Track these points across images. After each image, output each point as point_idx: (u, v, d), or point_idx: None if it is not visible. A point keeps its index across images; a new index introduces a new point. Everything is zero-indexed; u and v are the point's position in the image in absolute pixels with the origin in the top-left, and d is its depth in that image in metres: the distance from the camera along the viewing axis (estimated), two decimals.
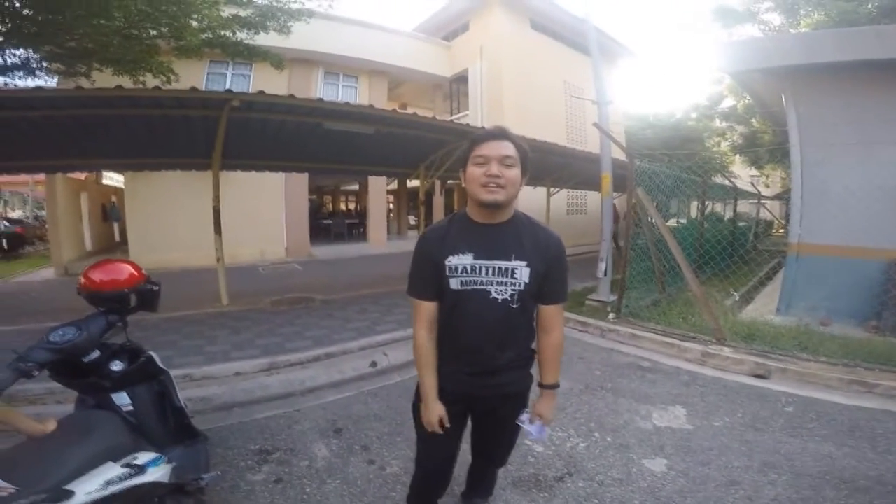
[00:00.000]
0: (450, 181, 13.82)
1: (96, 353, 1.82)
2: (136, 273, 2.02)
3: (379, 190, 14.21)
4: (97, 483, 1.36)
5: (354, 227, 16.90)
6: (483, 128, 7.50)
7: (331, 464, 2.54)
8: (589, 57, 6.58)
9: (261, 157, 7.20)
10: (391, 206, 20.48)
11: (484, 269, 1.39)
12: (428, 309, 1.47)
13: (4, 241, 14.32)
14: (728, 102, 19.21)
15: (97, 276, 1.93)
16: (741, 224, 11.74)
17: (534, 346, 1.58)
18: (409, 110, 17.95)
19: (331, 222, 16.24)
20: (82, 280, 1.92)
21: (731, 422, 3.05)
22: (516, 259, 1.39)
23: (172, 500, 1.80)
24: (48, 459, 1.33)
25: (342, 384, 3.75)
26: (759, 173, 22.09)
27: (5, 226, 15.66)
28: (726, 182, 12.03)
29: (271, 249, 11.68)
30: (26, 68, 7.85)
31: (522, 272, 1.39)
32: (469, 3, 13.53)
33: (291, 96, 5.09)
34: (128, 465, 1.49)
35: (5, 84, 7.59)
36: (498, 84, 13.04)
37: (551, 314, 1.50)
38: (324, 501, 2.22)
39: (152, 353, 2.08)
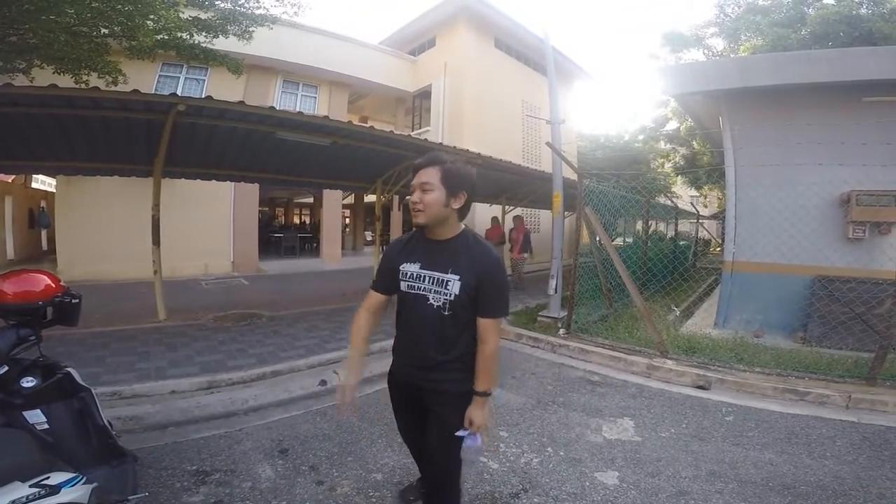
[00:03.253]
0: (408, 196, 13.77)
1: (3, 369, 1.65)
2: (52, 284, 1.86)
3: (334, 204, 13.94)
4: (5, 500, 1.24)
5: (307, 241, 16.45)
6: (440, 144, 7.70)
7: (276, 485, 2.40)
8: (547, 77, 6.82)
9: (207, 165, 6.88)
10: (347, 220, 20.14)
11: (426, 278, 1.64)
12: (375, 297, 1.79)
13: None
14: (672, 125, 20.47)
15: (8, 287, 1.77)
16: (682, 243, 12.43)
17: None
18: (370, 124, 17.91)
19: (282, 236, 15.72)
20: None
21: (676, 432, 3.15)
22: (451, 272, 1.60)
23: None
24: None
25: (289, 403, 3.58)
26: (698, 194, 23.59)
27: None
28: (668, 202, 12.76)
29: (216, 263, 11.11)
30: None
31: (454, 284, 1.59)
32: (436, 19, 13.74)
33: (241, 102, 4.93)
34: (38, 486, 1.35)
35: None
36: (459, 100, 13.25)
37: (484, 326, 1.62)
38: None
39: (70, 369, 1.92)
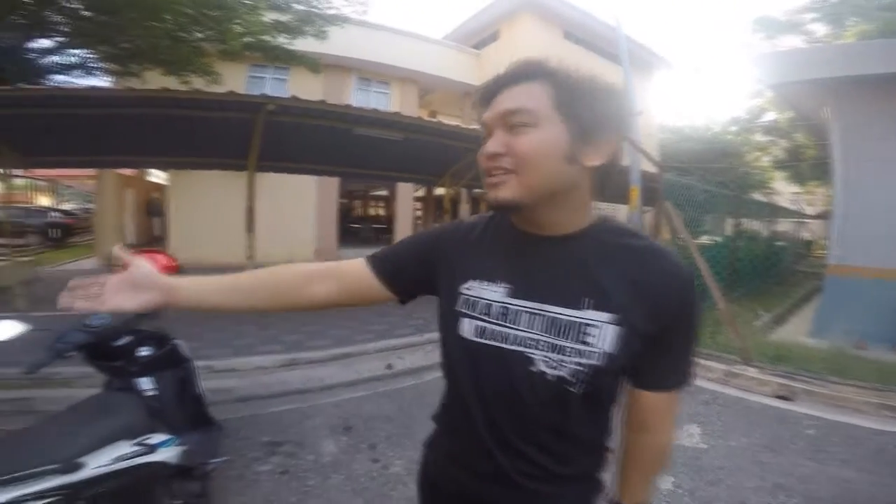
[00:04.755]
0: (476, 189, 13.87)
1: (127, 338, 1.93)
2: (168, 264, 2.15)
3: (407, 196, 14.40)
4: (107, 458, 1.44)
5: (382, 231, 17.15)
6: None
7: (336, 459, 2.61)
8: (622, 68, 6.53)
9: (294, 160, 7.44)
10: (418, 212, 20.70)
11: (526, 317, 0.76)
12: (359, 273, 0.91)
13: (56, 231, 15.30)
14: (770, 116, 18.56)
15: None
16: (779, 244, 11.30)
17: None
18: (438, 118, 18.12)
19: (360, 226, 16.53)
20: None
21: (747, 442, 2.96)
22: (593, 307, 0.72)
23: (179, 483, 1.87)
24: (65, 436, 1.44)
25: (357, 384, 3.83)
26: (801, 190, 21.19)
27: (57, 216, 16.68)
28: (765, 199, 11.61)
29: (301, 250, 11.96)
30: (84, 68, 8.43)
31: (604, 333, 0.71)
32: (500, 13, 13.62)
33: (322, 101, 5.27)
34: (139, 444, 1.57)
35: (66, 83, 8.18)
36: None
37: (658, 406, 0.82)
38: (324, 495, 2.29)
39: (178, 341, 2.19)
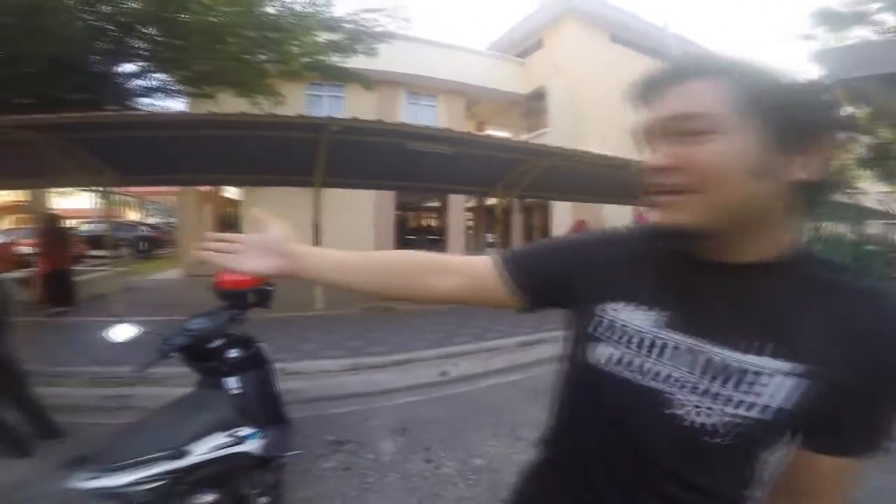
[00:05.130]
0: (528, 199, 13.79)
1: (219, 341, 2.19)
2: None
3: (458, 207, 14.62)
4: (207, 447, 1.66)
5: (435, 242, 17.46)
6: (558, 147, 7.68)
7: (393, 459, 2.80)
8: None
9: (354, 175, 7.85)
10: (470, 223, 20.85)
11: (675, 353, 0.65)
12: (489, 271, 0.80)
13: (144, 244, 16.98)
14: (845, 111, 16.81)
15: (228, 275, 2.38)
16: (868, 248, 10.29)
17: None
18: (487, 128, 18.24)
19: (414, 238, 16.95)
20: (215, 279, 2.38)
21: None
22: (770, 353, 0.60)
23: (258, 473, 2.06)
24: (171, 427, 1.67)
25: (414, 388, 4.02)
26: (892, 189, 19.07)
27: (145, 230, 18.48)
28: (850, 199, 10.67)
29: None
30: (164, 91, 9.37)
31: (779, 384, 0.59)
32: (543, 21, 13.61)
33: (380, 121, 5.59)
34: (231, 436, 1.79)
35: (150, 105, 9.19)
36: (578, 101, 12.89)
37: (833, 472, 0.66)
38: (382, 491, 2.48)
39: (262, 344, 2.45)
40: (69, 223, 8.39)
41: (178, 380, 3.68)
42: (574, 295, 0.76)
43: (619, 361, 0.67)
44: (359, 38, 8.95)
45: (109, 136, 5.60)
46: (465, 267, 0.83)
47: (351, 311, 6.65)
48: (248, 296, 2.39)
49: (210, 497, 1.59)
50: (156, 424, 1.73)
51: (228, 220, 15.87)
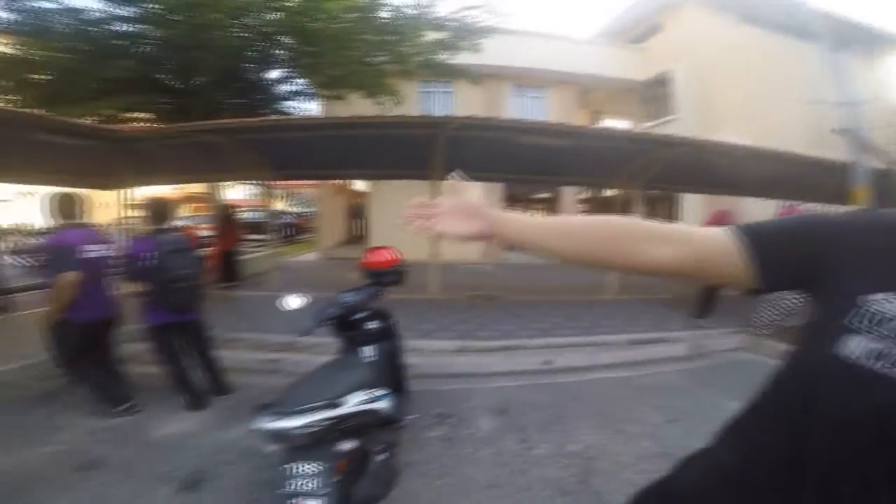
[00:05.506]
0: (652, 191, 12.91)
1: (362, 314, 2.61)
2: (395, 258, 2.90)
3: (571, 199, 14.24)
4: (354, 401, 1.96)
5: None
6: (683, 138, 7.10)
7: (490, 435, 3.05)
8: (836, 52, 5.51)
9: (469, 168, 8.19)
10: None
11: None
12: (714, 238, 0.73)
13: (289, 230, 19.60)
14: None
15: (370, 257, 2.87)
16: None
17: None
18: (603, 117, 17.30)
19: None
20: (362, 259, 2.85)
21: None
22: None
23: (382, 431, 2.32)
24: (329, 382, 2.03)
25: (517, 374, 4.22)
26: None
27: (289, 218, 21.33)
28: None
29: (469, 251, 12.93)
30: (304, 94, 10.65)
31: None
32: (658, 4, 12.59)
33: (492, 118, 5.82)
34: (370, 394, 2.06)
35: (294, 108, 10.55)
36: (707, 86, 11.70)
37: None
38: (475, 462, 2.73)
39: (395, 319, 2.85)
40: (237, 212, 10.01)
41: (318, 349, 4.37)
42: (821, 277, 0.67)
43: (879, 356, 0.59)
44: (462, 35, 9.26)
45: (269, 137, 6.68)
46: (689, 236, 0.74)
47: (460, 297, 7.03)
48: (388, 275, 2.81)
49: (350, 445, 1.89)
50: (317, 379, 2.10)
51: (356, 210, 17.54)
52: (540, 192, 22.21)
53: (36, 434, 2.95)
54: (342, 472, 1.78)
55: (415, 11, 8.83)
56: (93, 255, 3.18)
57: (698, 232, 0.75)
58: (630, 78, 13.96)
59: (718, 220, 8.71)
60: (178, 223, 3.45)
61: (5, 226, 15.26)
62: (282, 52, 8.85)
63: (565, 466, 2.68)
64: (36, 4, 7.27)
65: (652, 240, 0.74)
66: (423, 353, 4.48)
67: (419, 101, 12.79)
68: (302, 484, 1.64)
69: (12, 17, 7.28)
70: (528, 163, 7.80)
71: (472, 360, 4.43)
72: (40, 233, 12.49)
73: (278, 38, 8.36)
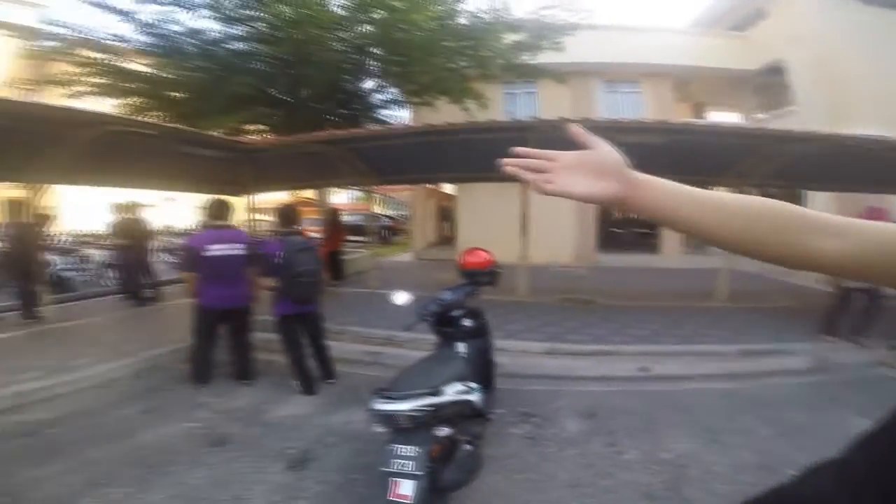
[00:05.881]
0: (772, 188, 11.62)
1: (459, 311, 2.78)
2: (490, 259, 3.05)
3: None
4: (453, 390, 2.14)
5: (646, 236, 16.16)
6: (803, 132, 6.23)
7: (576, 437, 3.03)
8: None
9: None
10: None
11: None
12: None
13: (385, 231, 20.74)
14: None
15: (467, 258, 3.04)
16: None
17: None
18: (707, 110, 15.86)
19: (622, 231, 16.05)
20: (459, 259, 3.02)
21: None
22: None
23: (470, 422, 2.44)
24: (429, 373, 2.21)
25: (609, 379, 4.11)
26: None
27: (385, 221, 22.55)
28: None
29: (561, 254, 12.61)
30: (397, 102, 11.16)
31: None
32: None
33: (587, 119, 5.70)
34: (466, 386, 2.25)
35: (389, 116, 11.12)
36: (830, 74, 10.23)
37: None
38: (558, 462, 2.73)
39: (487, 318, 2.97)
40: (341, 215, 10.84)
41: (414, 343, 4.63)
42: None
43: None
44: (542, 35, 9.11)
45: (371, 145, 7.20)
46: (859, 229, 0.63)
47: (550, 300, 6.94)
48: (483, 276, 2.94)
49: (444, 432, 2.03)
50: (420, 369, 2.30)
51: (446, 213, 18.09)
52: None
53: (179, 411, 3.49)
54: (435, 457, 1.92)
55: (491, 16, 8.88)
56: (221, 253, 3.74)
57: (871, 226, 0.64)
58: (733, 68, 12.72)
59: (871, 218, 7.51)
60: (300, 226, 3.92)
61: (155, 227, 18.12)
62: (374, 63, 9.39)
63: (655, 473, 2.60)
64: (167, 27, 8.45)
65: (819, 230, 0.64)
66: (510, 352, 4.50)
67: (504, 104, 12.82)
68: (402, 464, 1.81)
69: (149, 40, 8.56)
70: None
71: (561, 363, 4.40)
72: (181, 234, 14.69)
73: (370, 49, 8.90)
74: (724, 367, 4.39)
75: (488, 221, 12.10)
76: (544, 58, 9.50)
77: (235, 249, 3.83)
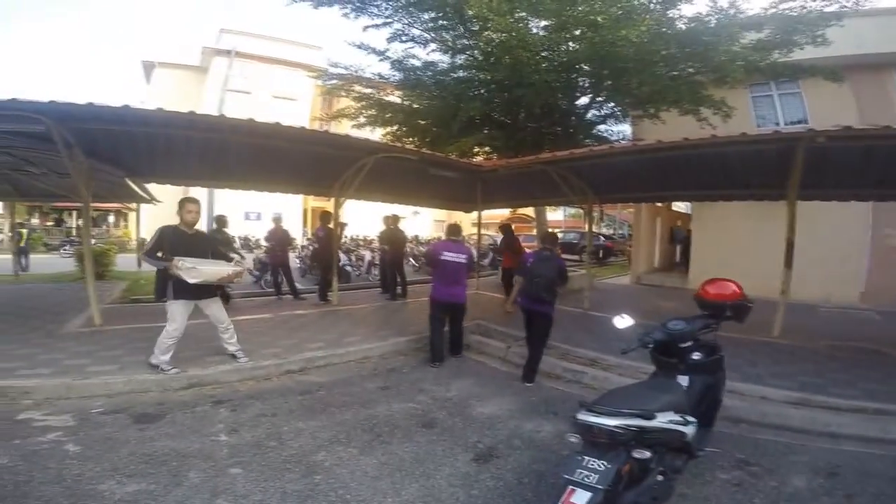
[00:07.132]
0: None
1: (689, 343, 2.57)
2: (737, 291, 2.75)
3: None
4: (666, 418, 2.09)
5: None
6: None
7: (799, 494, 2.53)
8: None
9: (842, 185, 6.51)
10: None
11: None
12: None
13: (601, 251, 19.83)
14: None
15: (711, 288, 2.79)
16: None
17: None
18: None
19: None
20: (699, 289, 2.78)
21: None
22: None
23: (673, 455, 2.29)
24: (645, 396, 2.18)
25: (875, 441, 3.26)
26: None
27: (601, 240, 21.46)
28: None
29: (840, 291, 9.79)
30: (614, 116, 10.68)
31: None
32: None
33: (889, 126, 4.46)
34: (681, 417, 2.17)
35: (606, 131, 10.92)
36: None
37: None
38: None
39: (723, 354, 2.69)
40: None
41: (619, 369, 4.57)
42: None
43: None
44: (794, 28, 7.50)
45: (588, 164, 7.25)
46: None
47: (814, 345, 5.63)
48: (727, 309, 2.66)
49: (644, 454, 1.97)
50: (636, 391, 2.33)
51: (677, 235, 16.16)
52: None
53: (407, 392, 4.25)
54: (622, 476, 1.86)
55: (718, 17, 7.77)
56: (451, 259, 5.11)
57: None
58: None
59: None
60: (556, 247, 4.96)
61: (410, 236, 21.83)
62: (584, 79, 9.27)
63: None
64: (410, 62, 10.14)
65: None
66: (743, 396, 3.92)
67: (754, 108, 10.90)
68: (585, 476, 1.80)
69: (399, 75, 10.36)
70: None
71: (810, 415, 3.60)
72: (425, 243, 17.46)
73: (579, 66, 8.78)
74: None
75: (734, 246, 10.44)
76: (805, 53, 7.89)
77: (460, 258, 5.14)
